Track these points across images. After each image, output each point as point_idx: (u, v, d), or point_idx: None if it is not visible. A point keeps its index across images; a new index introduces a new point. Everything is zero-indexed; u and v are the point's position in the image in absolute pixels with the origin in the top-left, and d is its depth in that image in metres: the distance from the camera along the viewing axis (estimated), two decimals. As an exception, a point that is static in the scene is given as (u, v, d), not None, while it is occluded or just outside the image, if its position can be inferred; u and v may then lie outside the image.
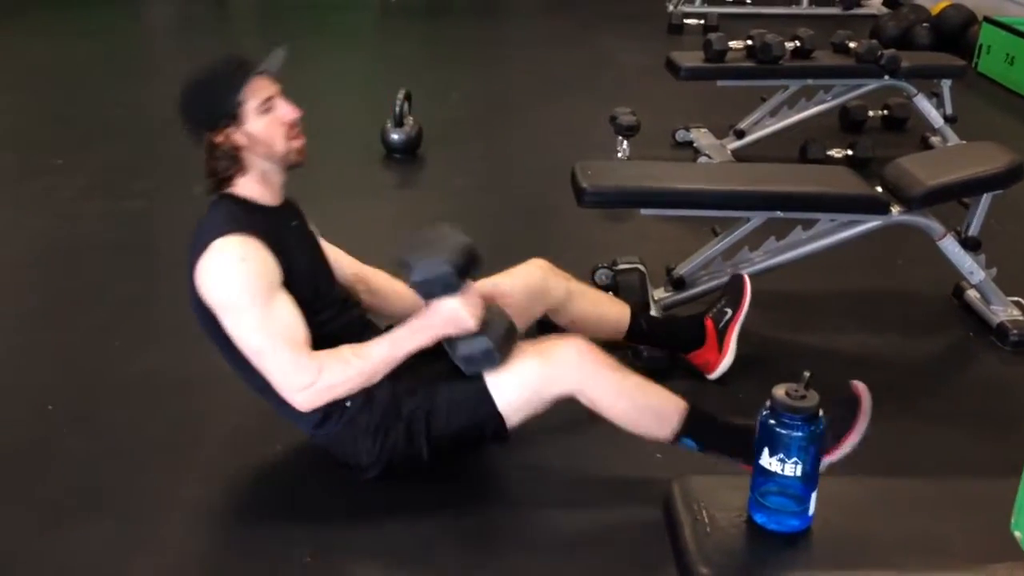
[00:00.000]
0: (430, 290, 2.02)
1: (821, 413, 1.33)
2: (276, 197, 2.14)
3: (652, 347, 2.59)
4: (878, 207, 2.75)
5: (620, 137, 4.10)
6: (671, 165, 3.69)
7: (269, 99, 2.05)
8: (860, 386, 2.12)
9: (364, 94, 5.51)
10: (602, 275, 2.90)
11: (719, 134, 4.42)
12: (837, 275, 3.13)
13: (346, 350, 2.03)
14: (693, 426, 2.10)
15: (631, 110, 4.13)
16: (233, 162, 2.05)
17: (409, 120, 4.30)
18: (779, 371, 2.33)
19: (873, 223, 2.77)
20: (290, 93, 2.10)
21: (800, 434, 1.31)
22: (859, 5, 7.21)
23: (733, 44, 4.10)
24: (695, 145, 4.36)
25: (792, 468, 1.32)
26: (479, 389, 2.07)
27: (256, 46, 7.03)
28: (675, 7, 7.24)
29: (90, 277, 3.17)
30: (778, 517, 1.35)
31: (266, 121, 2.05)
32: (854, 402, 2.10)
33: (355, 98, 5.46)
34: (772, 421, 1.33)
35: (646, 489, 2.09)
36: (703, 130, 4.46)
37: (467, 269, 2.03)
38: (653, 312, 2.75)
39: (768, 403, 1.34)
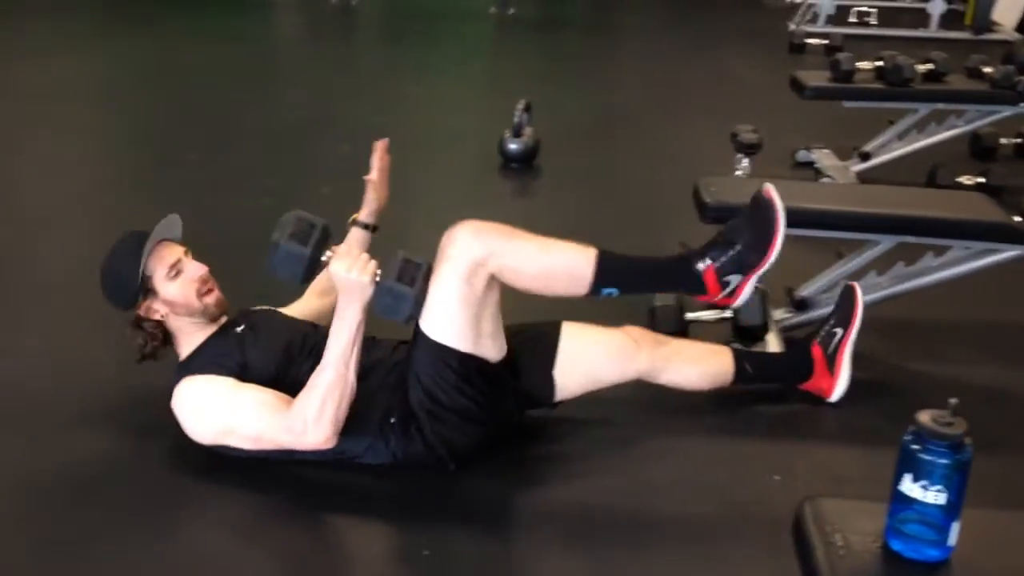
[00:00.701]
0: (292, 271, 2.06)
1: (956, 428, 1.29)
2: (214, 324, 2.23)
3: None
4: (1017, 237, 2.65)
5: (740, 155, 4.04)
6: (798, 184, 3.61)
7: (176, 263, 2.15)
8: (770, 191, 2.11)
9: (482, 104, 5.57)
10: (720, 292, 2.86)
11: (841, 155, 4.33)
12: (965, 304, 3.01)
13: (312, 377, 2.07)
14: (608, 273, 2.07)
15: (753, 127, 4.08)
16: (160, 331, 2.18)
17: (528, 130, 4.33)
18: (904, 400, 2.28)
19: (1011, 253, 2.67)
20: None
21: (946, 461, 1.27)
22: (991, 30, 6.98)
23: (861, 65, 4.02)
24: (816, 166, 4.28)
25: (935, 496, 1.28)
26: (431, 346, 2.07)
27: (378, 54, 7.22)
28: (797, 26, 7.14)
29: (221, 272, 3.25)
30: (916, 545, 1.31)
31: (178, 284, 2.15)
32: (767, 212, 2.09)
33: (473, 107, 5.52)
34: (916, 446, 1.29)
35: (764, 512, 2.05)
36: (825, 151, 4.38)
37: (306, 236, 2.04)
38: (772, 333, 2.71)
39: (912, 428, 1.30)
